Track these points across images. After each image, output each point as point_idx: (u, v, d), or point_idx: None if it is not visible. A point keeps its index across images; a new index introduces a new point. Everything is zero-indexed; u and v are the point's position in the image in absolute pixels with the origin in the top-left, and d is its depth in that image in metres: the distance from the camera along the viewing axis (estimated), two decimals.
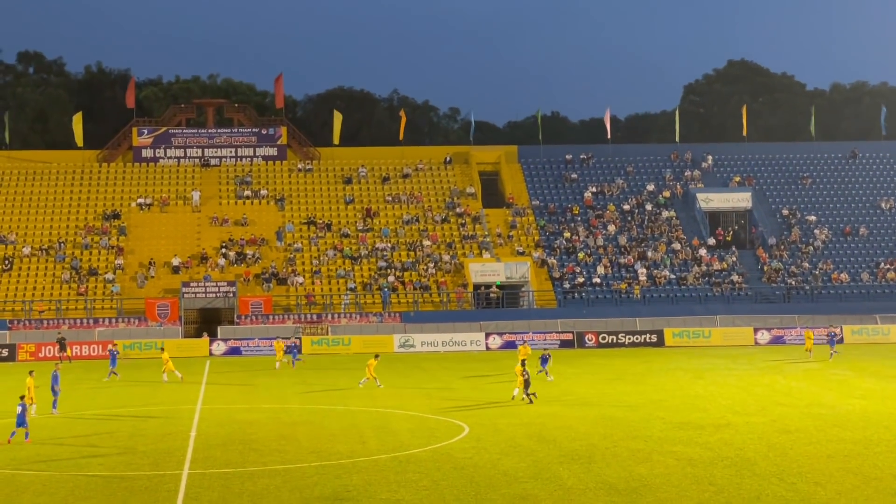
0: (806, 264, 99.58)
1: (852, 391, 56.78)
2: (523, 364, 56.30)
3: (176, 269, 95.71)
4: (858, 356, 76.16)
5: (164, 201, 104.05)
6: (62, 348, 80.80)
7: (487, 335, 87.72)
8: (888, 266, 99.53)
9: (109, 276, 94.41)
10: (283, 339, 78.61)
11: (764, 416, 48.77)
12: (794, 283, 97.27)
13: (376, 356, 62.65)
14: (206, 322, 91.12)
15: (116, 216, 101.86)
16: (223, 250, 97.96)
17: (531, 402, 52.84)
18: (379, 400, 56.04)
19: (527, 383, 53.30)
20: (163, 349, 71.10)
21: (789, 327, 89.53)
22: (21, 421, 43.48)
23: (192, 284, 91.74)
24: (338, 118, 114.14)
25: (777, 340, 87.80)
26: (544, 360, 62.89)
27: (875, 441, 42.31)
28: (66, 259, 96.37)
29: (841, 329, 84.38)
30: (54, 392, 52.93)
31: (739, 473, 36.71)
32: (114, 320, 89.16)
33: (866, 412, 49.67)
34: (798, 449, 40.99)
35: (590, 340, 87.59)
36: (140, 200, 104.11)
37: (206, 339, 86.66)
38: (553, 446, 42.05)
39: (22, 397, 44.78)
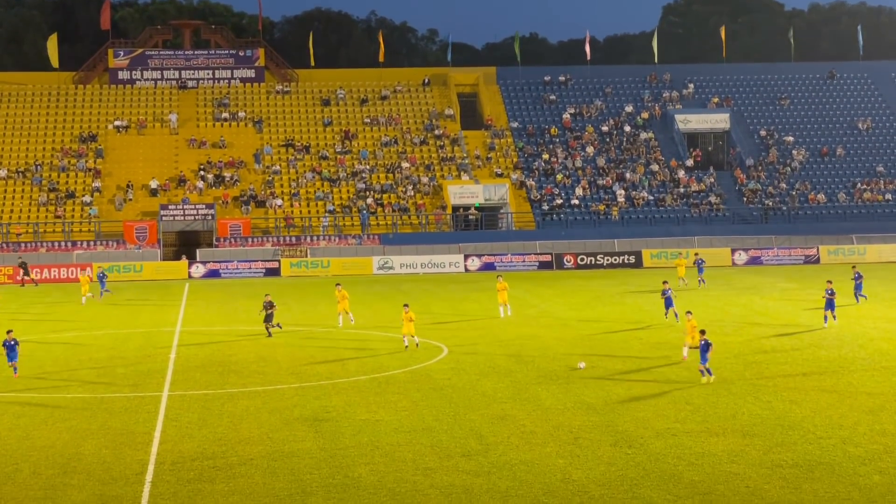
0: (783, 185, 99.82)
1: None
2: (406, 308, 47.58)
3: (154, 192, 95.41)
4: (835, 276, 76.44)
5: (142, 123, 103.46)
6: (25, 272, 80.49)
7: (466, 257, 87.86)
8: (865, 186, 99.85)
9: (87, 198, 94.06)
10: (96, 268, 76.74)
11: (740, 336, 49.14)
12: (771, 203, 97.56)
13: (338, 285, 56.75)
14: (185, 245, 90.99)
15: (93, 138, 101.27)
16: (201, 173, 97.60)
17: (270, 335, 50.55)
18: (358, 322, 56.17)
19: (269, 316, 50.53)
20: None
21: (766, 248, 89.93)
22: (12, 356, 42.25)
23: (170, 207, 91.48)
24: (310, 40, 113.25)
25: (754, 261, 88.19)
26: (668, 301, 53.87)
27: (850, 360, 42.73)
28: (43, 182, 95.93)
29: (702, 259, 74.81)
30: None
31: (716, 392, 37.06)
32: (92, 243, 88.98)
33: (841, 331, 50.09)
34: (774, 368, 41.37)
35: (568, 262, 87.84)
36: (117, 123, 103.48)
37: (184, 261, 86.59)
38: (531, 367, 42.33)
39: (9, 332, 43.02)
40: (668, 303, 53.44)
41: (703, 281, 70.29)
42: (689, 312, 42.48)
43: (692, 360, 41.35)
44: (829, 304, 51.38)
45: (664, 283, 55.24)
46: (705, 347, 38.33)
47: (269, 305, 51.04)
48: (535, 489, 26.62)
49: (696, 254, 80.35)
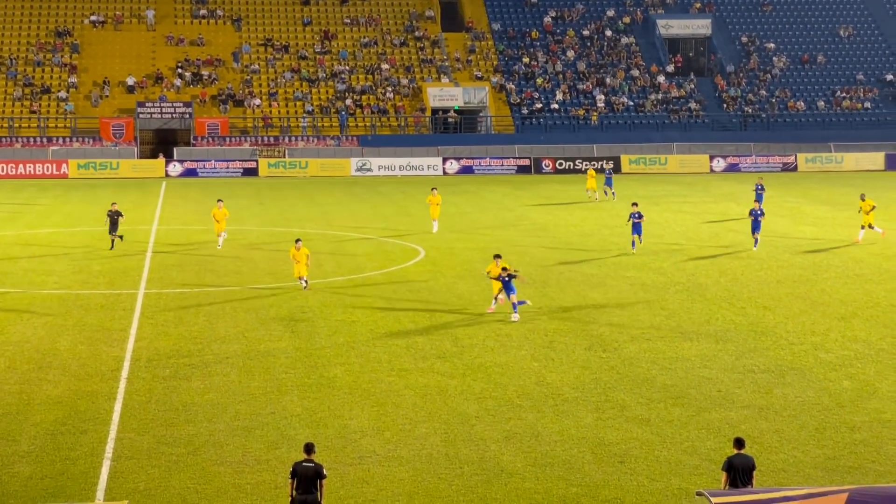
0: (763, 92, 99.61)
1: (804, 218, 57.45)
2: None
3: (131, 89, 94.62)
4: (811, 184, 76.84)
5: (118, 19, 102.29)
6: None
7: (445, 160, 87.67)
8: (844, 94, 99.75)
9: (62, 94, 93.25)
10: None
11: (716, 243, 49.34)
12: (750, 111, 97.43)
13: (219, 201, 49.53)
14: (162, 143, 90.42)
15: (69, 33, 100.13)
16: (179, 70, 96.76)
17: (113, 247, 46.84)
18: (335, 223, 56.21)
19: (114, 224, 46.77)
20: None
21: (745, 155, 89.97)
22: None
23: (147, 105, 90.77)
24: None
25: (732, 168, 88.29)
26: (636, 225, 46.69)
27: (824, 267, 43.01)
28: (18, 76, 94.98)
29: (611, 171, 72.04)
30: None
31: (691, 298, 37.31)
32: (68, 139, 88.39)
33: (816, 239, 50.36)
34: (748, 274, 41.63)
35: (547, 166, 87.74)
36: (93, 17, 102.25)
37: (161, 160, 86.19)
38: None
39: None
40: (636, 228, 46.45)
41: (613, 194, 67.03)
42: (497, 256, 35.25)
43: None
44: (755, 226, 47.17)
45: (634, 204, 48.26)
46: (507, 282, 33.97)
47: (116, 214, 47.12)
48: (510, 391, 26.84)
49: (607, 162, 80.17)
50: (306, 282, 38.55)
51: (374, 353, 30.07)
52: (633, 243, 46.41)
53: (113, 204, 48.30)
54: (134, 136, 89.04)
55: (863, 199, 49.57)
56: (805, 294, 37.94)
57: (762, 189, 58.55)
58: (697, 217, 58.55)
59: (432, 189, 54.72)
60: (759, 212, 47.53)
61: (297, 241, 38.60)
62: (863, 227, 49.02)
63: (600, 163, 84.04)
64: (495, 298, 34.88)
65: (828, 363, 29.27)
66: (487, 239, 50.40)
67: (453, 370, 28.64)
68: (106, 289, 38.94)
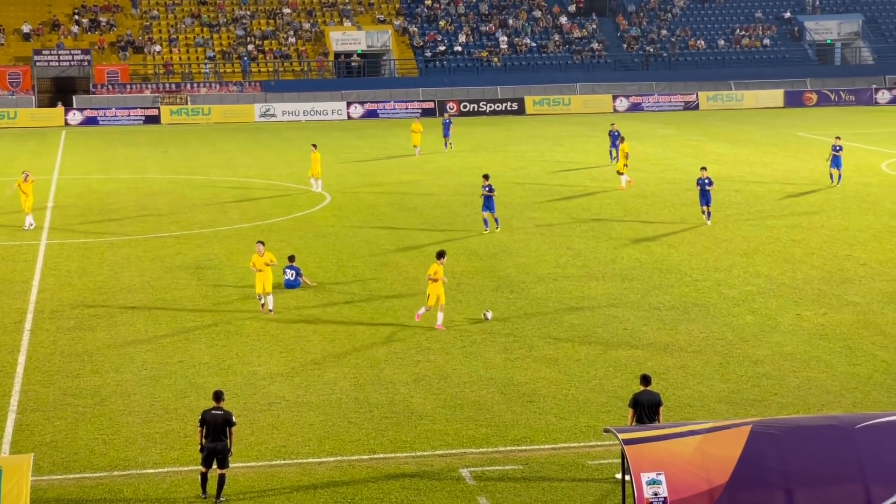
0: (664, 31, 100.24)
1: (706, 156, 57.96)
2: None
3: (27, 37, 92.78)
4: (712, 122, 77.59)
5: None
6: None
7: (349, 104, 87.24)
8: (743, 32, 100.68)
9: None
10: None
11: (621, 182, 49.71)
12: (652, 50, 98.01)
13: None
14: (61, 91, 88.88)
15: None
16: (76, 17, 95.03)
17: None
18: (240, 170, 55.77)
19: None
20: None
21: (647, 94, 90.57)
22: None
23: (44, 52, 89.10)
24: None
25: (635, 107, 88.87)
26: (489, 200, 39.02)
27: (726, 204, 43.54)
28: None
29: (450, 118, 67.98)
30: None
31: (596, 237, 37.62)
32: None
33: (718, 176, 50.80)
34: (653, 213, 42.05)
35: (451, 109, 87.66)
36: None
37: (60, 108, 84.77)
38: (415, 214, 42.52)
39: None
40: (488, 203, 38.81)
41: (450, 144, 63.77)
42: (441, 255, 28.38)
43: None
44: (706, 198, 39.92)
45: (484, 177, 39.69)
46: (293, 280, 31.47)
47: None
48: (418, 334, 26.95)
49: (447, 112, 79.43)
50: (265, 302, 29.12)
51: (281, 299, 29.97)
52: (486, 221, 38.87)
53: None
54: (31, 84, 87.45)
55: (623, 142, 49.31)
56: (708, 231, 38.44)
57: (617, 136, 55.23)
58: (602, 158, 58.85)
59: (313, 145, 50.25)
60: (706, 181, 39.84)
61: (259, 243, 29.96)
62: (620, 173, 48.38)
63: (445, 111, 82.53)
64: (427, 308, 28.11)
65: (731, 299, 29.73)
66: (393, 183, 50.33)
67: (361, 314, 28.69)
68: (6, 240, 38.35)
